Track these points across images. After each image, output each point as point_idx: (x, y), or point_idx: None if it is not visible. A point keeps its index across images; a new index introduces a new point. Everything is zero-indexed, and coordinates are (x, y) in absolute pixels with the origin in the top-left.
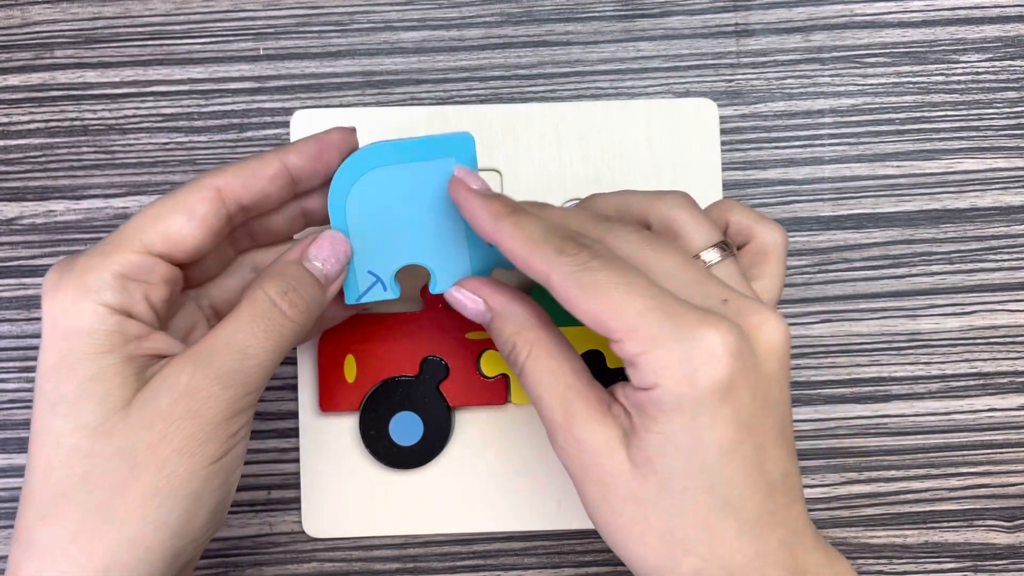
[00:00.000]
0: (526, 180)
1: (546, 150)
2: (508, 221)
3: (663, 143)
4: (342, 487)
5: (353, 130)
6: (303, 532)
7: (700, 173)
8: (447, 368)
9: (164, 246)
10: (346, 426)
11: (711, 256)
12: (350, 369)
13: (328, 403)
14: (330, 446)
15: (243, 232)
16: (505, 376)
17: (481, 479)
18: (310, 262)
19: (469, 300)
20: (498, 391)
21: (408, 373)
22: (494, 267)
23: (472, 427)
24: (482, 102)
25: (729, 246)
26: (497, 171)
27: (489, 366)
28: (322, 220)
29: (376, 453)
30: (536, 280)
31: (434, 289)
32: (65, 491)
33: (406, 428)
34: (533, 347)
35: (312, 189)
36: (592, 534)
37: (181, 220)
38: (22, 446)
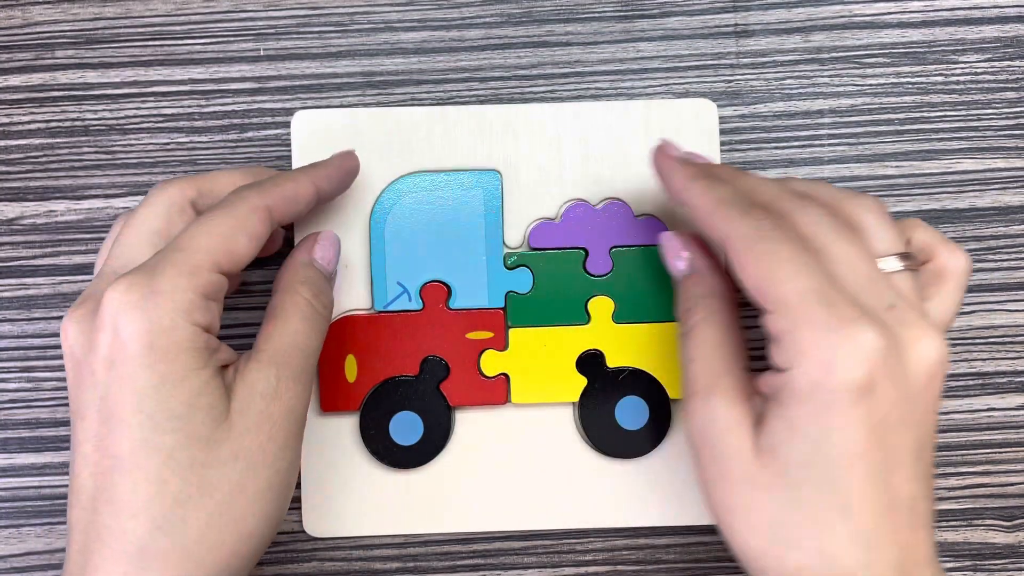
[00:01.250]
0: (526, 180)
1: (546, 150)
2: (700, 183)
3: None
4: (342, 486)
5: (356, 158)
6: (303, 532)
7: None
8: (447, 368)
9: (229, 265)
10: (346, 426)
11: (891, 264)
12: (351, 369)
13: (329, 403)
14: (330, 446)
15: None
16: (505, 376)
17: (481, 478)
18: (319, 263)
19: (680, 249)
20: (498, 391)
21: (408, 373)
22: (506, 292)
23: (472, 427)
24: (482, 102)
25: (912, 259)
26: (497, 171)
27: (489, 366)
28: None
29: (376, 453)
30: (714, 240)
31: (453, 304)
32: (185, 500)
33: (406, 428)
34: (711, 314)
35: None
36: (592, 533)
37: (244, 240)
38: (22, 446)
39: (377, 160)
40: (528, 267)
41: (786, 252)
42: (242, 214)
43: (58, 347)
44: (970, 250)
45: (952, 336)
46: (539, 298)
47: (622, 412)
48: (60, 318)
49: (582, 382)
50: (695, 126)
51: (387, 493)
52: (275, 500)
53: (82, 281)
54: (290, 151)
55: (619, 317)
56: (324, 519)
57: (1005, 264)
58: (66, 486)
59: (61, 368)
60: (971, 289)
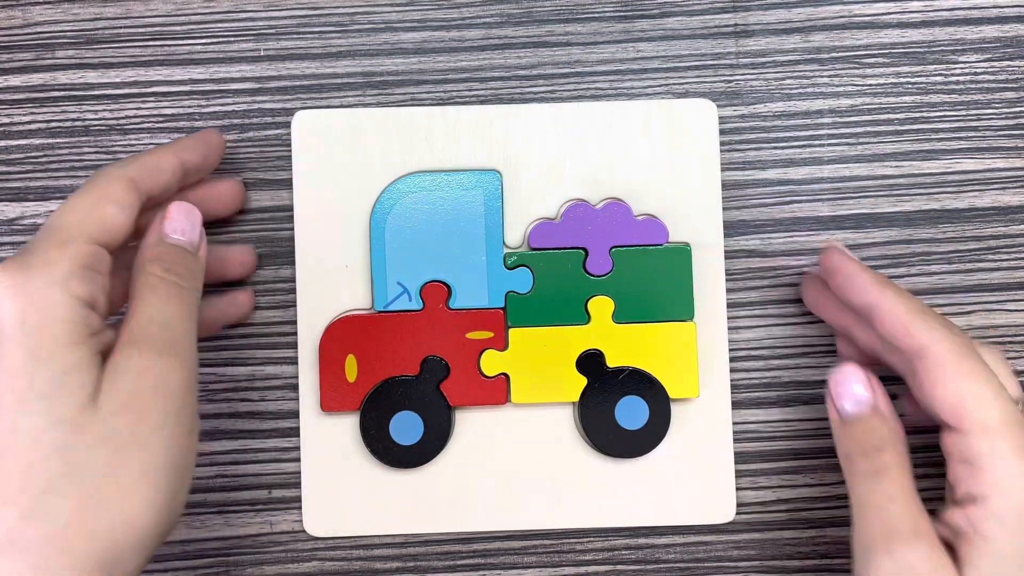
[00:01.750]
0: (526, 180)
1: (546, 150)
2: (894, 289)
3: (662, 144)
4: (343, 486)
5: (220, 135)
6: (304, 531)
7: (699, 174)
8: (447, 368)
9: (105, 236)
10: (347, 425)
11: None
12: (351, 369)
13: (329, 403)
14: (331, 445)
15: None
16: (505, 376)
17: (481, 478)
18: (171, 237)
19: (866, 387)
20: (498, 390)
21: (409, 373)
22: (506, 291)
23: (472, 426)
24: (482, 102)
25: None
26: (497, 171)
27: (489, 366)
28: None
29: (376, 452)
30: (900, 345)
31: (453, 304)
32: (51, 488)
33: (406, 427)
34: (901, 456)
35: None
36: (592, 533)
37: (114, 210)
38: None
39: (377, 160)
40: (528, 267)
41: (986, 373)
42: (103, 184)
43: None
44: (969, 250)
45: None
46: (539, 298)
47: (622, 412)
48: None
49: (582, 382)
50: (695, 127)
51: (387, 493)
52: (159, 486)
53: None
54: (290, 151)
55: (619, 317)
56: (324, 519)
57: (1005, 264)
58: None
59: None
60: (970, 289)
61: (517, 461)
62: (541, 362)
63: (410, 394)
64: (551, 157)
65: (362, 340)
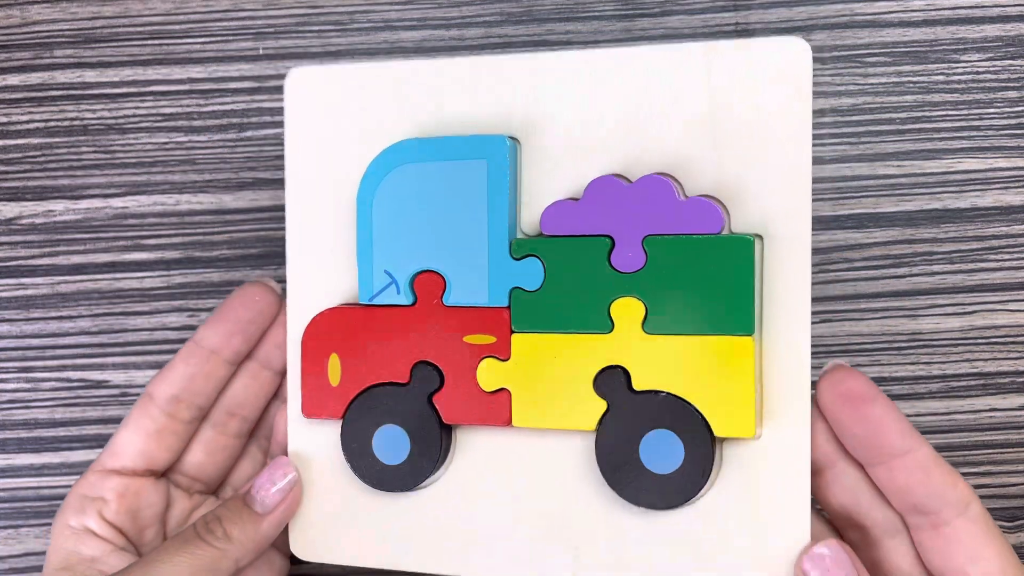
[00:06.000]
0: (550, 148)
1: (576, 110)
2: (917, 433)
3: (730, 99)
4: (331, 507)
5: (266, 287)
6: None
7: (780, 142)
8: (441, 377)
9: (114, 462)
10: (333, 434)
11: None
12: (334, 371)
13: (311, 408)
14: (319, 458)
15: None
16: (506, 391)
17: (481, 514)
18: (249, 492)
19: (840, 570)
20: (498, 408)
21: (397, 379)
22: (512, 288)
23: (471, 451)
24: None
25: None
26: (507, 138)
27: (488, 377)
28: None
29: (358, 470)
30: (927, 500)
31: (447, 300)
32: None
33: (391, 444)
34: None
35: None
36: None
37: (123, 433)
38: (21, 446)
39: (376, 123)
40: (538, 257)
41: (1005, 542)
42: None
43: (57, 347)
44: (972, 250)
45: (953, 336)
46: (550, 297)
47: (649, 450)
48: (59, 318)
49: (600, 406)
50: (777, 78)
51: (373, 518)
52: None
53: (81, 281)
54: None
55: (651, 326)
56: (313, 541)
57: (1007, 264)
58: (66, 486)
59: (60, 368)
60: (973, 289)
61: (525, 498)
62: (550, 377)
63: (397, 405)
64: (583, 118)
65: (347, 337)
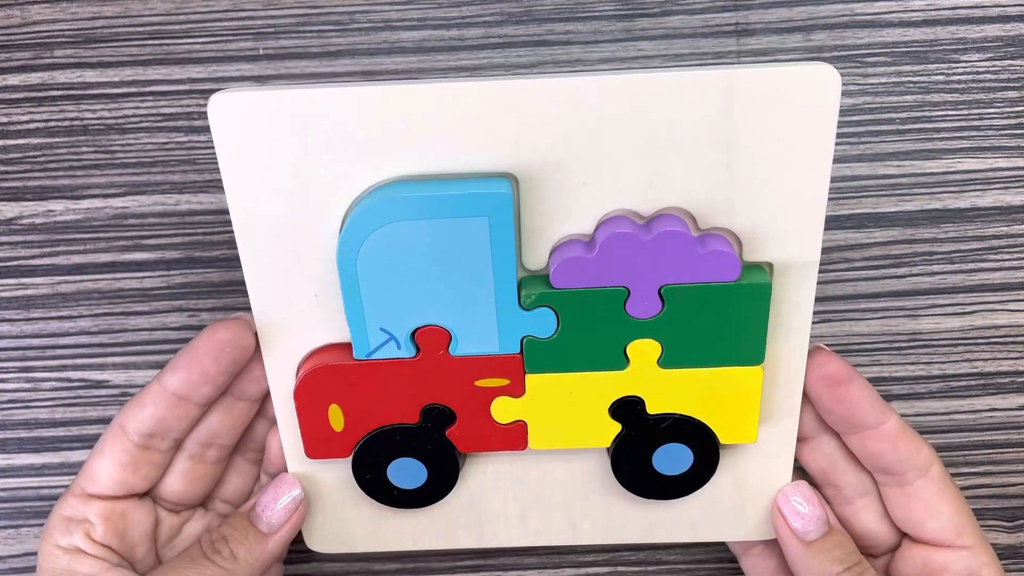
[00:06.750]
0: (552, 183)
1: (580, 141)
2: (894, 414)
3: (748, 130)
4: (344, 501)
5: (238, 326)
6: (300, 532)
7: (799, 171)
8: (453, 416)
9: (93, 487)
10: (340, 466)
11: None
12: (335, 418)
13: (315, 451)
14: (325, 479)
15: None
16: (523, 423)
17: (496, 495)
18: (254, 510)
19: (812, 506)
20: (514, 437)
21: (406, 421)
22: (523, 336)
23: (485, 470)
24: None
25: None
26: (508, 179)
27: (503, 413)
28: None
29: (374, 495)
30: (895, 464)
31: (455, 351)
32: None
33: (407, 473)
34: (870, 568)
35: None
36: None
37: (98, 462)
38: (22, 446)
39: (344, 163)
40: (551, 308)
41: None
42: (106, 439)
43: (58, 347)
44: (972, 250)
45: (954, 336)
46: (565, 343)
47: (661, 459)
48: (59, 318)
49: (615, 428)
50: (802, 111)
51: (390, 516)
52: None
53: (80, 280)
54: None
55: (667, 362)
56: (327, 534)
57: (1007, 264)
58: (66, 487)
59: (60, 368)
60: (973, 289)
61: (537, 511)
62: (566, 408)
63: (411, 442)
64: (587, 150)
65: (346, 389)
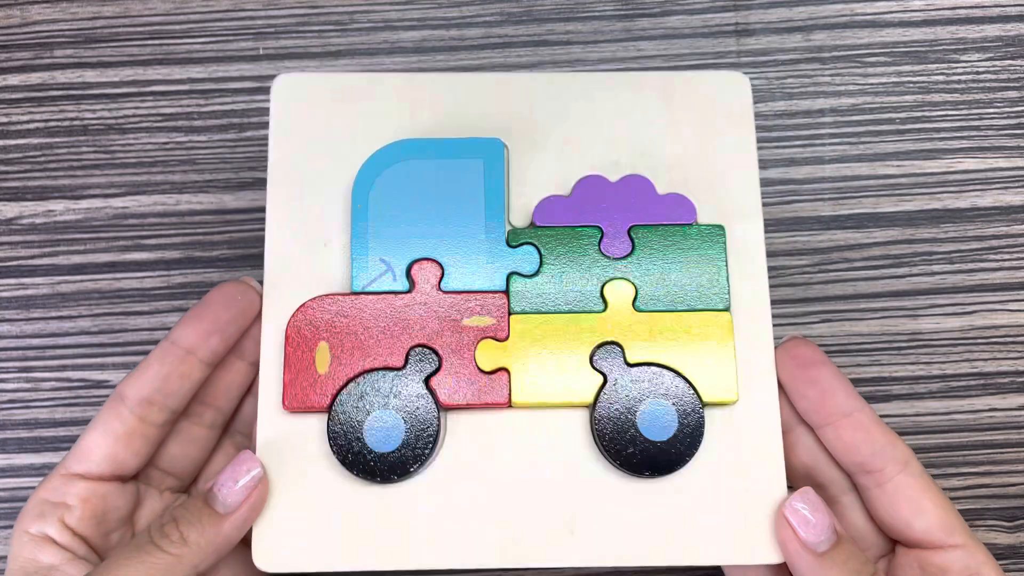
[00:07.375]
0: (537, 156)
1: (559, 125)
2: (867, 405)
3: (688, 118)
4: (305, 507)
5: (246, 285)
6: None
7: (732, 150)
8: (438, 360)
9: (79, 466)
10: (312, 432)
11: None
12: (322, 359)
13: (293, 400)
14: (291, 456)
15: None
16: (506, 371)
17: (476, 500)
18: (211, 491)
19: (820, 514)
20: (498, 389)
21: (392, 364)
22: (509, 274)
23: (465, 435)
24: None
25: None
26: (501, 140)
27: (487, 358)
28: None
29: (346, 461)
30: (871, 457)
31: (445, 286)
32: None
33: (384, 430)
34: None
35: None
36: None
37: (91, 435)
38: (22, 446)
39: (367, 128)
40: (534, 245)
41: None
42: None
43: (58, 347)
44: (972, 250)
45: (954, 336)
46: (547, 281)
47: (646, 420)
48: (59, 318)
49: (596, 380)
50: (725, 103)
51: (362, 515)
52: None
53: (80, 281)
54: None
55: (641, 305)
56: (281, 548)
57: (1007, 264)
58: None
59: (60, 368)
60: (972, 288)
61: (521, 480)
62: (548, 354)
63: (392, 389)
64: (564, 132)
65: (337, 325)
